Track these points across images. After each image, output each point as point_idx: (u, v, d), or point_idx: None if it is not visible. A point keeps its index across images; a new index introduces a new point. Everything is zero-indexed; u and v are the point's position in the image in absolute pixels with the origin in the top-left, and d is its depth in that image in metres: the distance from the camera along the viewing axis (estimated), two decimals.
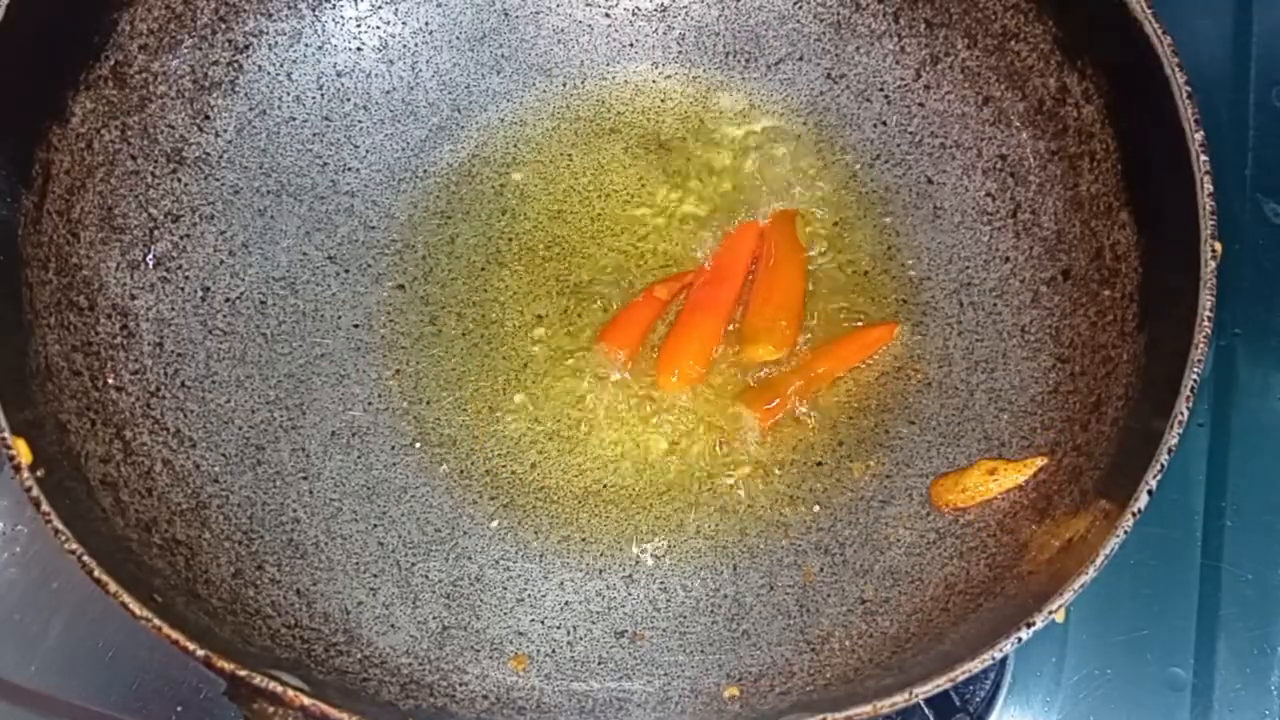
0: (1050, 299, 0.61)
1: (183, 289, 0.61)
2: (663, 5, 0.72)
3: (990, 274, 0.64)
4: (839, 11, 0.69)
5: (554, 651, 0.57)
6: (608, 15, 0.72)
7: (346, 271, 0.66)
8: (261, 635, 0.52)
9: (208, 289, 0.62)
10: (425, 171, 0.69)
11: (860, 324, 0.65)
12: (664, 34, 0.72)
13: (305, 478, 0.60)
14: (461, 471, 0.63)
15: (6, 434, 0.47)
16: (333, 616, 0.55)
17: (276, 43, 0.66)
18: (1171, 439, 0.48)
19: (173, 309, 0.60)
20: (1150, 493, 0.47)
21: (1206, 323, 0.49)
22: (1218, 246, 0.50)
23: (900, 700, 0.45)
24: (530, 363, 0.65)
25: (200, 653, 0.44)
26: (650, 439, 0.63)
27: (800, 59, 0.70)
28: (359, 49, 0.69)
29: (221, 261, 0.63)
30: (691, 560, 0.60)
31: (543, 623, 0.58)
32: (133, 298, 0.59)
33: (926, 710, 0.60)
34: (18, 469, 0.47)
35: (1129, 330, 0.55)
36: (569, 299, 0.66)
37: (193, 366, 0.60)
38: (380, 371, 0.65)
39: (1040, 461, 0.56)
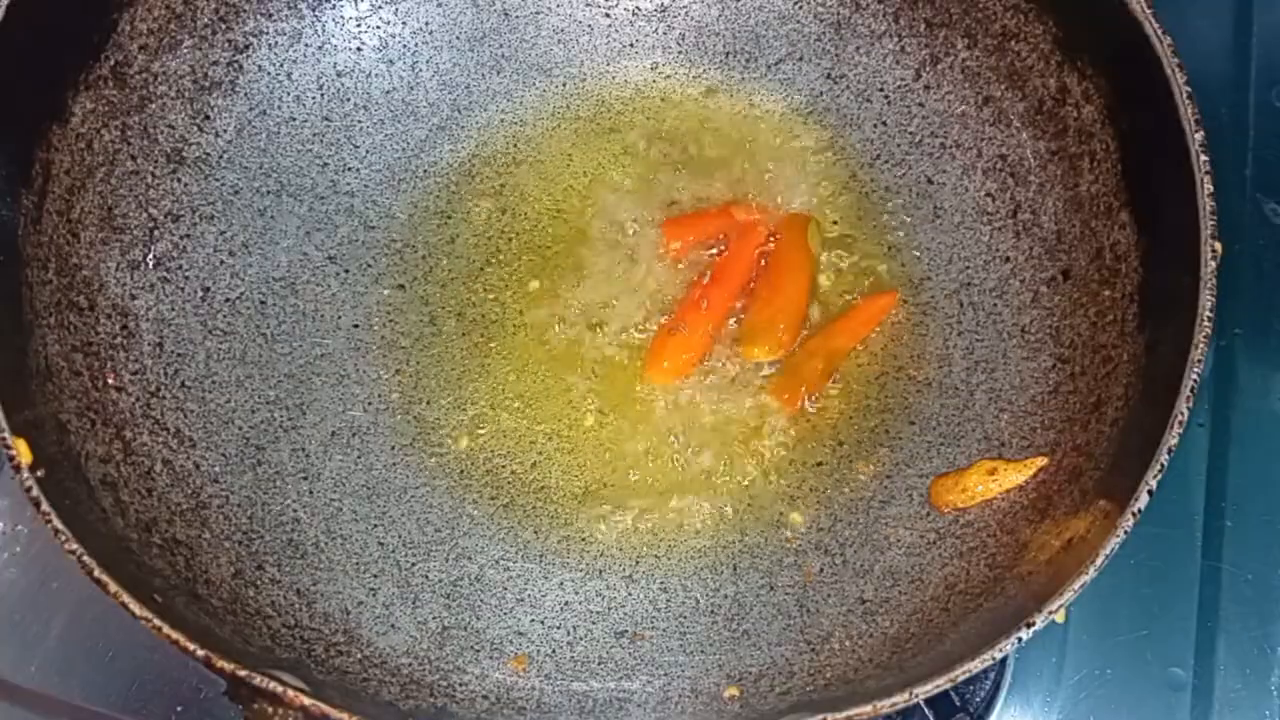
0: (1050, 299, 0.61)
1: (183, 289, 0.61)
2: (663, 5, 0.72)
3: (990, 274, 0.64)
4: (839, 11, 0.69)
5: (554, 651, 0.57)
6: (608, 15, 0.72)
7: (346, 271, 0.66)
8: (261, 635, 0.52)
9: (208, 289, 0.62)
10: (425, 171, 0.69)
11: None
12: (664, 34, 0.72)
13: (305, 478, 0.60)
14: (461, 471, 0.63)
15: (6, 434, 0.47)
16: (333, 616, 0.55)
17: (276, 43, 0.66)
18: (1171, 439, 0.47)
19: (173, 309, 0.60)
20: (1150, 493, 0.47)
21: (1206, 323, 0.49)
22: (1218, 246, 0.50)
23: (900, 700, 0.45)
24: (530, 362, 0.65)
25: (200, 653, 0.44)
26: (650, 439, 0.63)
27: (800, 59, 0.70)
28: (359, 49, 0.69)
29: (221, 261, 0.63)
30: (691, 560, 0.60)
31: (543, 623, 0.58)
32: (133, 298, 0.59)
33: (926, 710, 0.60)
34: (18, 469, 0.47)
35: (1129, 330, 0.55)
36: (569, 299, 0.66)
37: (193, 366, 0.60)
38: (380, 371, 0.65)
39: (1040, 461, 0.56)
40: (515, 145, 0.70)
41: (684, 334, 0.64)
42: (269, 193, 0.65)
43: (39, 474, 0.47)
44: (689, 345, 0.64)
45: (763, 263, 0.66)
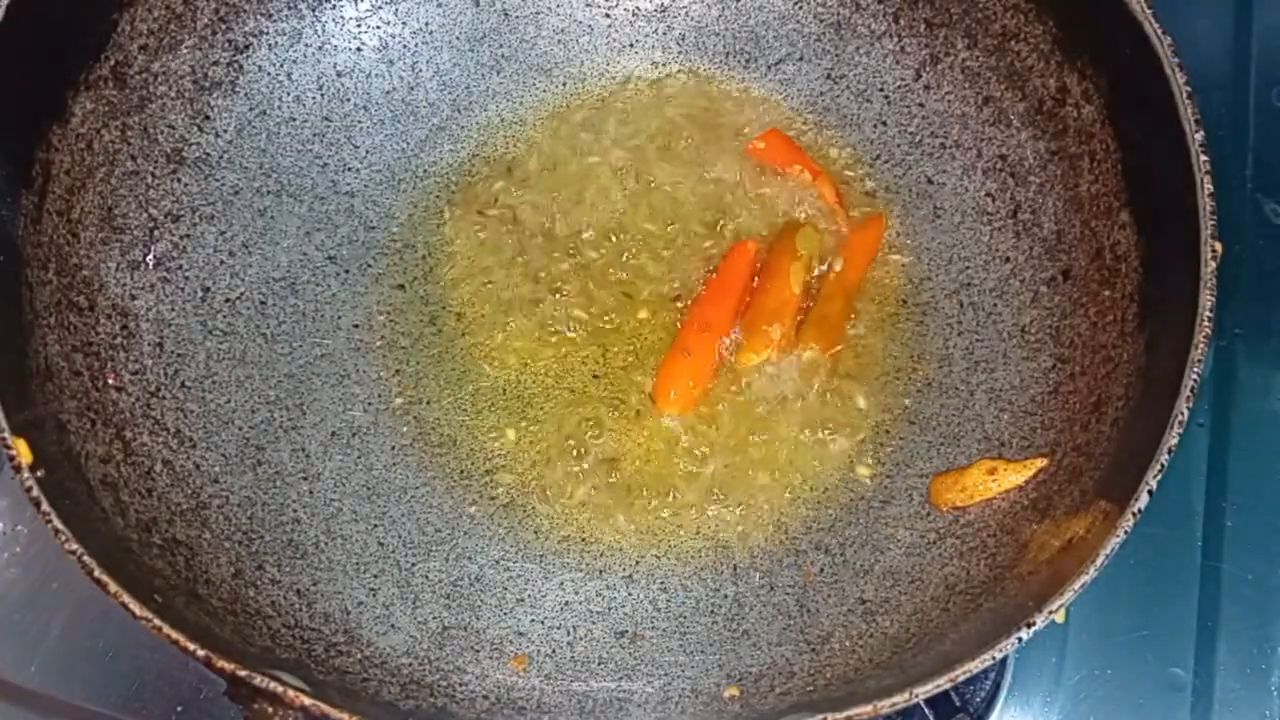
0: (1050, 299, 0.61)
1: (183, 289, 0.61)
2: (663, 5, 0.72)
3: (990, 274, 0.64)
4: (839, 12, 0.69)
5: (554, 651, 0.57)
6: (608, 15, 0.72)
7: (346, 271, 0.66)
8: (261, 635, 0.52)
9: (208, 289, 0.62)
10: (425, 171, 0.69)
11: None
12: (664, 34, 0.72)
13: (305, 478, 0.60)
14: (461, 471, 0.63)
15: (6, 434, 0.47)
16: (333, 616, 0.55)
17: (276, 43, 0.66)
18: (1171, 439, 0.47)
19: (173, 309, 0.60)
20: (1150, 493, 0.47)
21: (1206, 323, 0.49)
22: (1218, 246, 0.50)
23: (900, 700, 0.45)
24: (531, 362, 0.65)
25: (200, 653, 0.44)
26: (650, 439, 0.63)
27: (800, 59, 0.70)
28: (359, 49, 0.68)
29: (221, 261, 0.63)
30: (691, 560, 0.60)
31: (543, 623, 0.58)
32: (133, 298, 0.59)
33: (926, 710, 0.60)
34: (18, 469, 0.47)
35: (1129, 330, 0.55)
36: (569, 299, 0.66)
37: (193, 366, 0.60)
38: (380, 371, 0.65)
39: (1040, 463, 0.56)
40: (515, 145, 0.70)
41: (690, 359, 0.63)
42: (269, 193, 0.65)
43: (39, 474, 0.47)
44: (696, 372, 0.63)
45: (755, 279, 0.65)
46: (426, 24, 0.70)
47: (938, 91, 0.67)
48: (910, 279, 0.66)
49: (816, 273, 0.65)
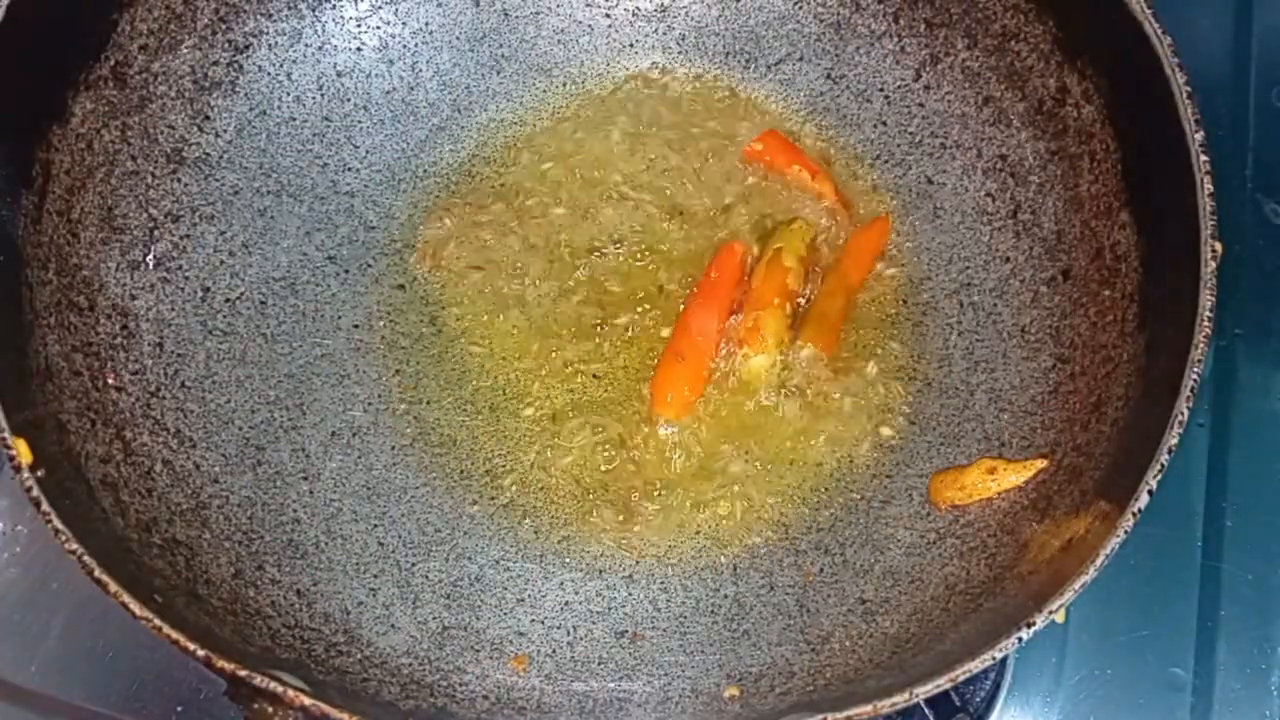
0: (1050, 299, 0.61)
1: (183, 289, 0.61)
2: (663, 5, 0.72)
3: (990, 274, 0.64)
4: (839, 12, 0.69)
5: (554, 651, 0.57)
6: (608, 15, 0.72)
7: (346, 271, 0.66)
8: (262, 635, 0.52)
9: (208, 289, 0.62)
10: (425, 171, 0.69)
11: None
12: (664, 34, 0.72)
13: (305, 478, 0.60)
14: (461, 471, 0.63)
15: (6, 434, 0.47)
16: (333, 616, 0.55)
17: (276, 43, 0.66)
18: (1171, 439, 0.47)
19: (173, 309, 0.60)
20: (1150, 493, 0.47)
21: (1206, 323, 0.49)
22: (1218, 246, 0.50)
23: (900, 700, 0.45)
24: (531, 362, 0.65)
25: (200, 653, 0.44)
26: (650, 439, 0.63)
27: (800, 59, 0.70)
28: (359, 49, 0.69)
29: (221, 261, 0.63)
30: (691, 560, 0.60)
31: (543, 623, 0.58)
32: (133, 298, 0.59)
33: (926, 710, 0.60)
34: (18, 469, 0.47)
35: (1129, 330, 0.55)
36: (568, 299, 0.66)
37: (193, 366, 0.60)
38: (380, 371, 0.65)
39: (1040, 463, 0.56)
40: (515, 145, 0.70)
41: (684, 364, 0.63)
42: (269, 193, 0.65)
43: (39, 474, 0.47)
44: (691, 376, 0.63)
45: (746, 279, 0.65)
46: (426, 24, 0.70)
47: (938, 91, 0.67)
48: (910, 279, 0.66)
49: (813, 270, 0.65)
